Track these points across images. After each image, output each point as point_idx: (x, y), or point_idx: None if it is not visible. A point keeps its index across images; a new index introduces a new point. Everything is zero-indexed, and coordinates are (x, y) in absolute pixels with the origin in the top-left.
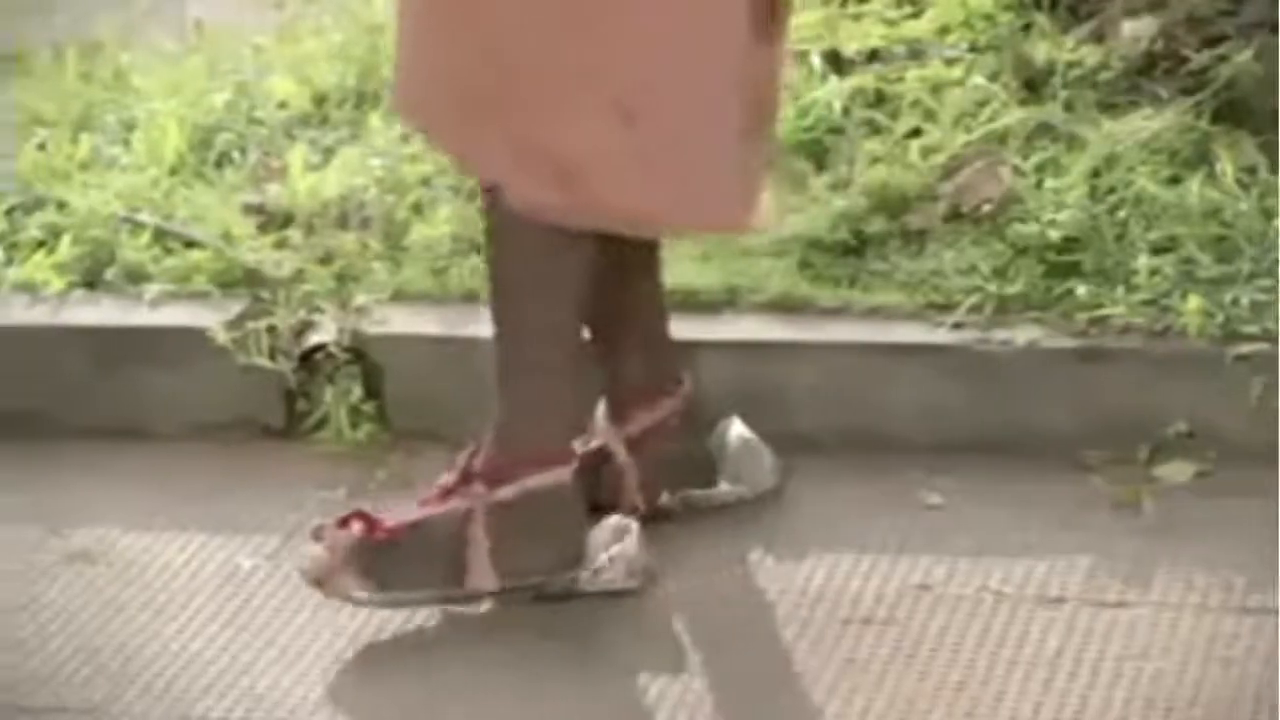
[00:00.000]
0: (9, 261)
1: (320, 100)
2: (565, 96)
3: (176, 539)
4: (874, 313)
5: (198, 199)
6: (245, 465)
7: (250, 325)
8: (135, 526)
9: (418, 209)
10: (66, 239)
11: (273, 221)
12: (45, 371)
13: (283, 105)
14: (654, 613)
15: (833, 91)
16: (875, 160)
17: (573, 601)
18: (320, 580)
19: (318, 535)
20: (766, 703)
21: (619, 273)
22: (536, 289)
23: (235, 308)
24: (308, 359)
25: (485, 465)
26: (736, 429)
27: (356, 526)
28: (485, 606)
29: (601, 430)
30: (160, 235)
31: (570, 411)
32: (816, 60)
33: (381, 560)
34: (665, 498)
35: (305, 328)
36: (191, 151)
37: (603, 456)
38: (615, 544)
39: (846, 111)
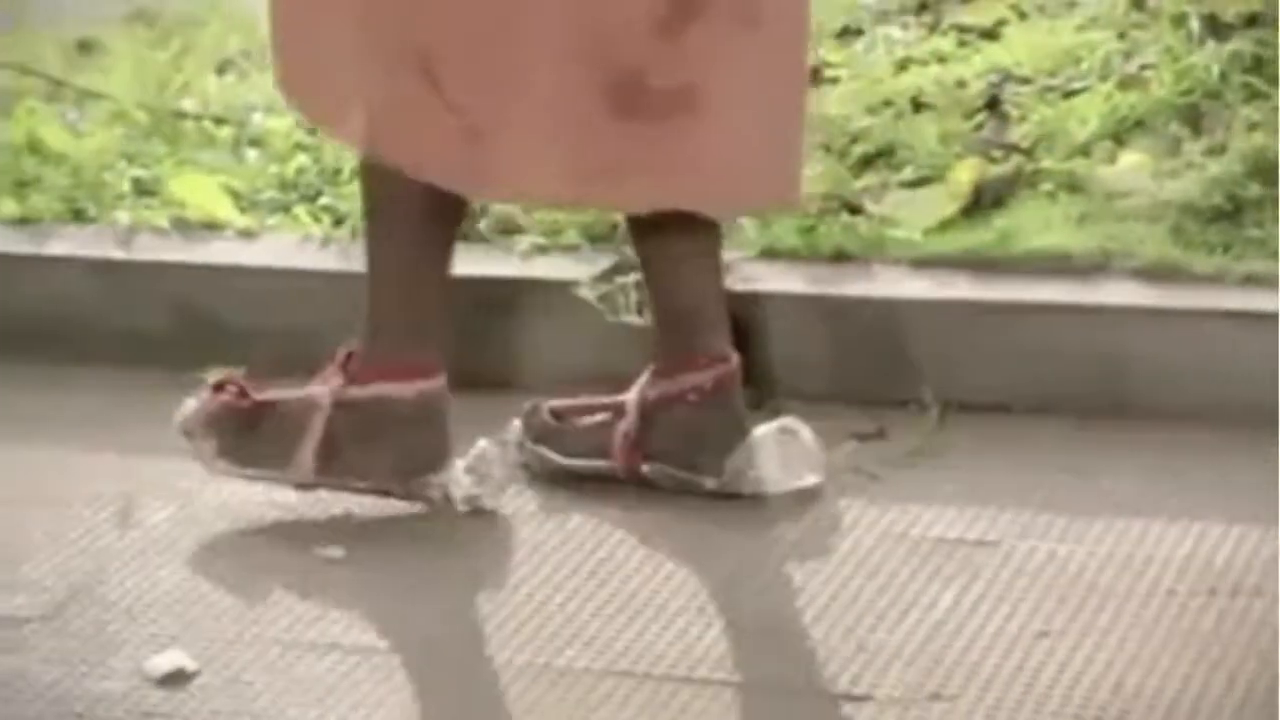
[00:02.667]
0: None
1: None
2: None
3: (541, 491)
4: (1248, 280)
5: None
6: None
7: (619, 280)
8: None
9: None
10: None
11: None
12: None
13: None
14: None
15: (1210, 55)
16: (1252, 126)
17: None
18: (187, 433)
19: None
20: None
21: (639, 246)
22: (381, 226)
23: (604, 262)
24: None
25: (352, 365)
26: (780, 425)
27: (228, 392)
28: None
29: (633, 388)
30: None
31: (428, 332)
32: (1195, 24)
33: (236, 430)
34: (645, 467)
35: None
36: None
37: (620, 412)
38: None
39: (1224, 76)
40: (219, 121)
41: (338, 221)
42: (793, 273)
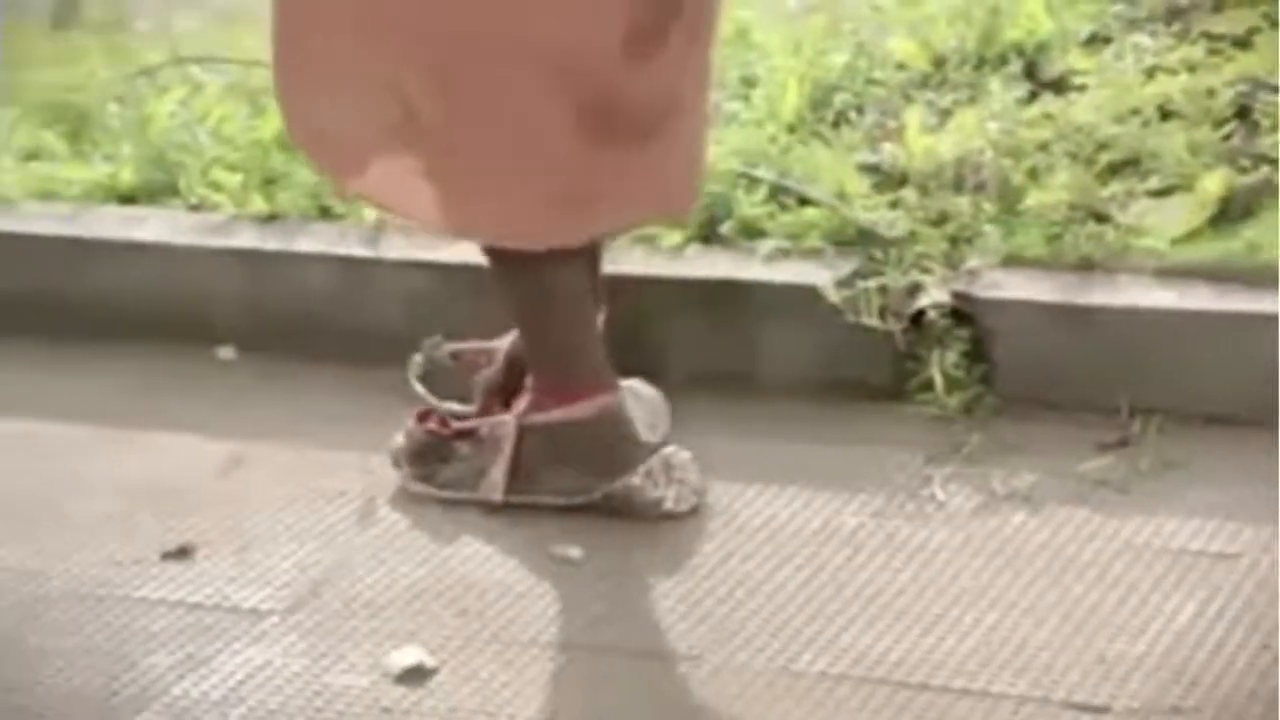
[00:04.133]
0: None
1: (939, 62)
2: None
3: (781, 492)
4: None
5: (814, 157)
6: (850, 423)
7: (861, 284)
8: (740, 478)
9: (1033, 174)
10: None
11: (888, 181)
12: (659, 322)
13: (901, 66)
14: None
15: None
16: None
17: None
18: (395, 464)
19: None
20: None
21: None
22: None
23: (847, 266)
24: (916, 320)
25: (534, 389)
26: (625, 384)
27: (430, 424)
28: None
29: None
30: (776, 191)
31: (593, 352)
32: None
33: (434, 456)
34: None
35: (915, 289)
36: (810, 109)
37: (484, 358)
38: (660, 466)
39: None
40: None
41: None
42: (1037, 281)
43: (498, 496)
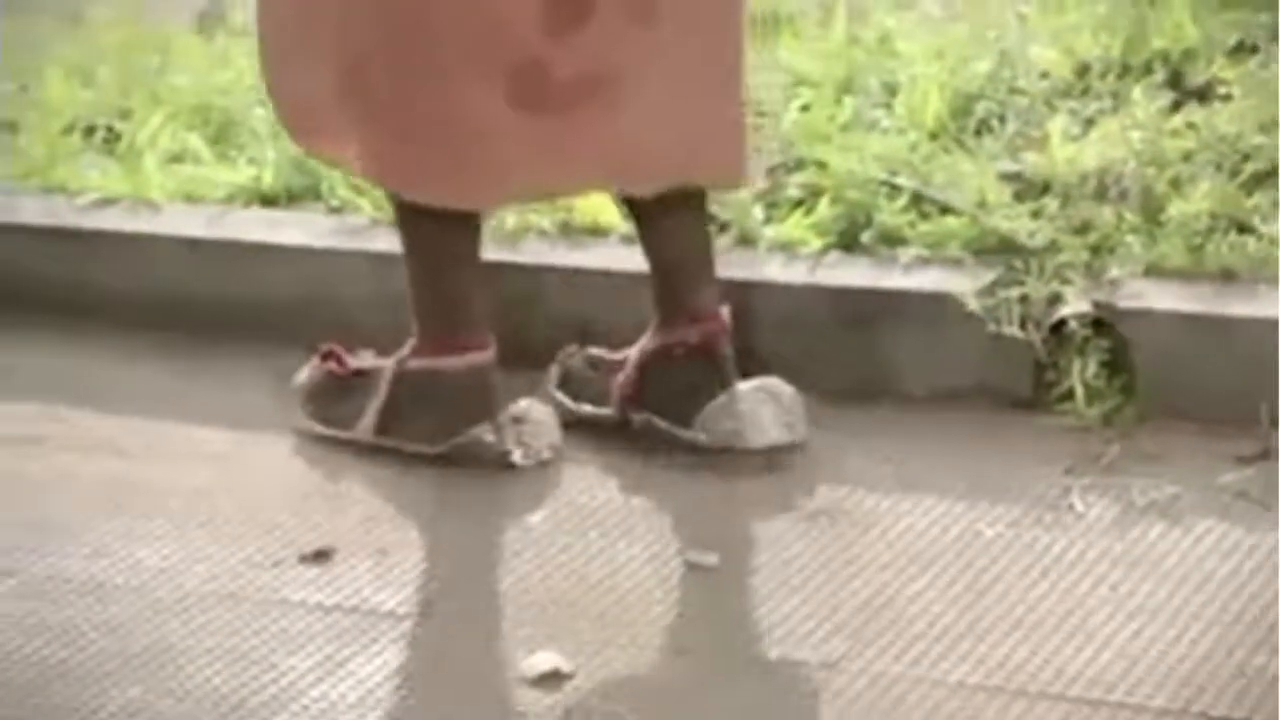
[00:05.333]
0: (768, 220)
1: (1082, 71)
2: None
3: (920, 501)
4: None
5: (955, 165)
6: (990, 432)
7: (1001, 293)
8: (879, 487)
9: (1176, 184)
10: (825, 200)
11: (1029, 190)
12: (798, 330)
13: (1044, 75)
14: None
15: None
16: None
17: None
18: (295, 394)
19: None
20: None
21: (627, 208)
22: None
23: (987, 275)
24: (1057, 330)
25: (417, 336)
26: (760, 382)
27: (330, 364)
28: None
29: (637, 343)
30: (917, 200)
31: (475, 309)
32: None
33: (331, 394)
34: (635, 417)
35: (1056, 298)
36: (952, 118)
37: (622, 365)
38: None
39: None
40: None
41: (722, 228)
42: (1178, 291)
43: (368, 437)
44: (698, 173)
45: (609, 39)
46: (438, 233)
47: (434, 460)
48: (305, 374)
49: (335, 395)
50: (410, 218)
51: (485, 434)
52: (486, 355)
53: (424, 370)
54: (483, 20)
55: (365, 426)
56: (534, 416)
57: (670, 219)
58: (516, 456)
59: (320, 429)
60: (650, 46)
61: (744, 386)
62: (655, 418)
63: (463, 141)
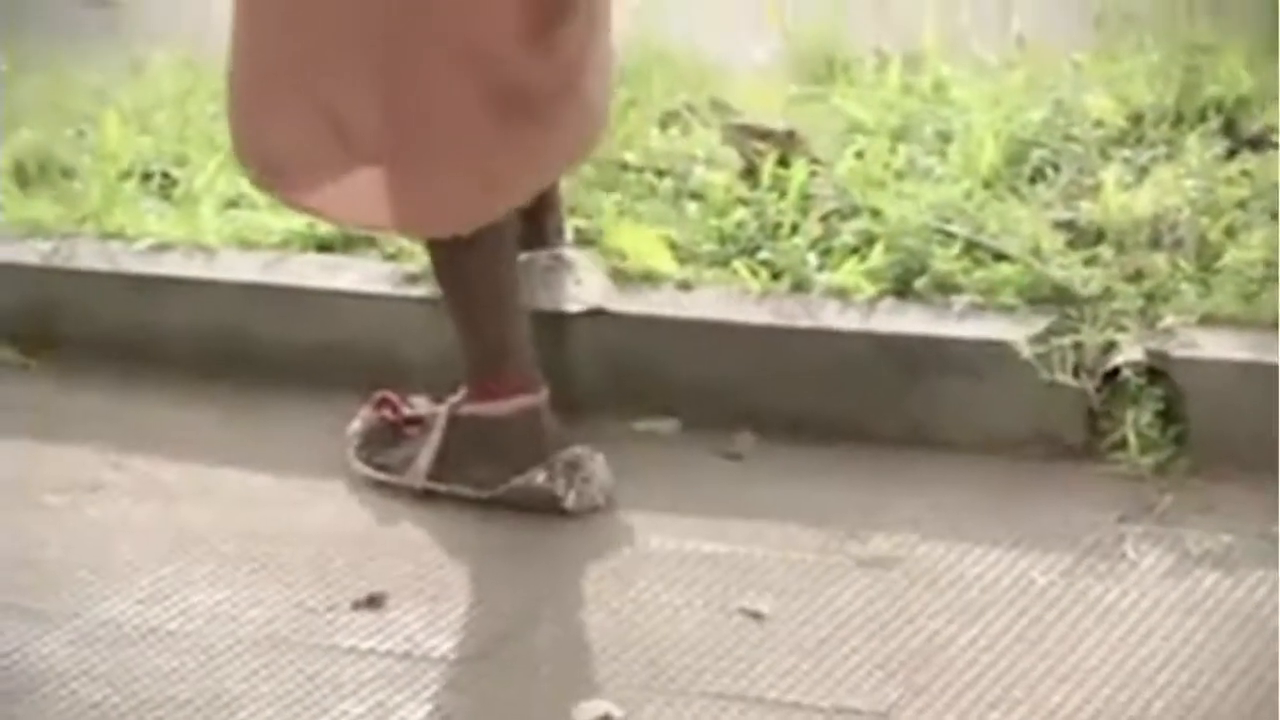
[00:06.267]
0: (821, 267)
1: (1136, 119)
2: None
3: (972, 550)
4: None
5: (1009, 213)
6: (1042, 480)
7: (1055, 341)
8: (931, 535)
9: (1230, 232)
10: (879, 247)
11: (1083, 238)
12: (851, 377)
13: (1099, 123)
14: None
15: None
16: None
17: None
18: (348, 443)
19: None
20: None
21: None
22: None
23: (1041, 323)
24: (1111, 378)
25: (468, 382)
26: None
27: (384, 410)
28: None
29: None
30: (971, 247)
31: (521, 349)
32: None
33: (384, 441)
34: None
35: (1110, 346)
36: (1006, 165)
37: None
38: (563, 466)
39: None
40: (660, 174)
41: (775, 275)
42: (1233, 339)
43: (420, 482)
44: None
45: (578, 51)
46: (471, 267)
47: (487, 506)
48: (359, 421)
49: (389, 441)
50: (443, 257)
51: (537, 478)
52: (535, 398)
53: (474, 415)
54: (465, 44)
55: (418, 471)
56: (587, 462)
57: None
58: (570, 501)
59: (373, 474)
60: (597, 52)
61: (548, 252)
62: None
63: (463, 165)
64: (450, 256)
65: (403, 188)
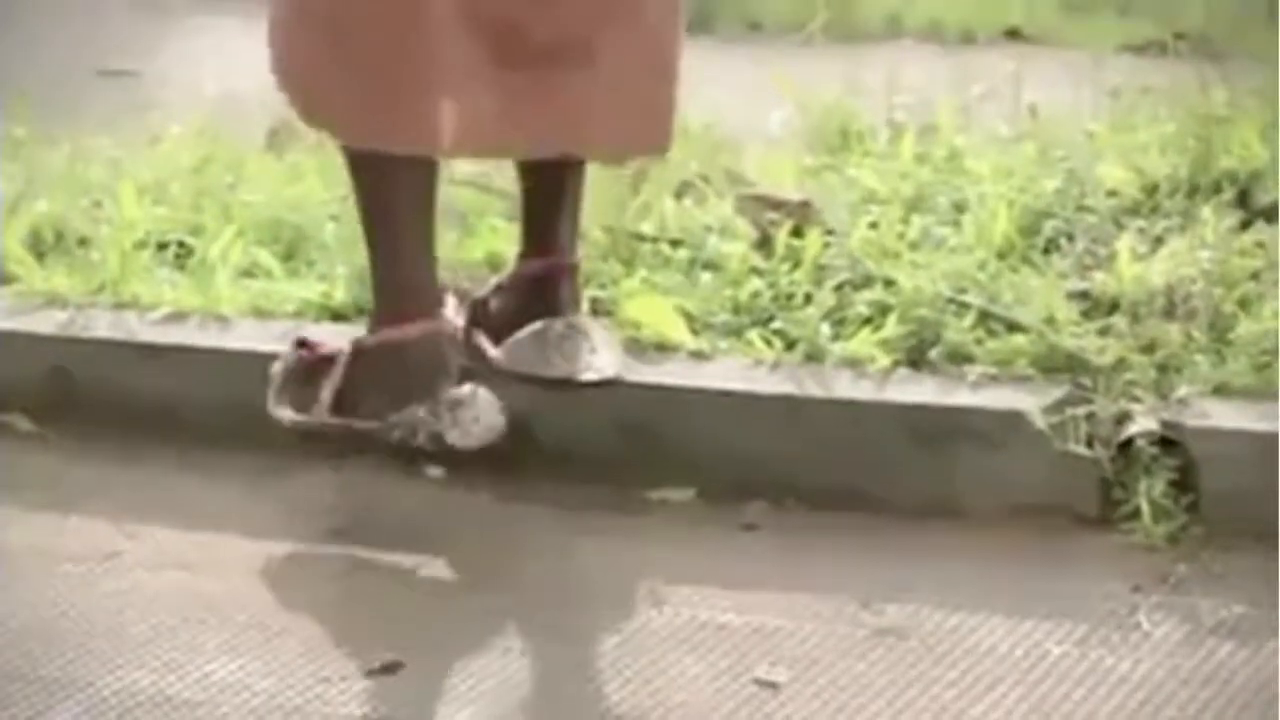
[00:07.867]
0: (835, 336)
1: (1151, 189)
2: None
3: (986, 620)
4: None
5: (1023, 283)
6: (1057, 550)
7: (1069, 411)
8: (946, 605)
9: (1244, 303)
10: (893, 317)
11: (1097, 308)
12: (865, 447)
13: (1112, 193)
14: None
15: None
16: None
17: None
18: (270, 381)
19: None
20: None
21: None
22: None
23: (1055, 393)
24: (1125, 448)
25: (372, 312)
26: (580, 319)
27: (301, 351)
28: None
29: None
30: (985, 317)
31: (425, 277)
32: None
33: (301, 380)
34: (474, 338)
35: (1124, 417)
36: (1020, 236)
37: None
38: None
39: None
40: (675, 244)
41: (790, 346)
42: (1247, 410)
43: (323, 417)
44: (634, 144)
45: (585, 13)
46: (393, 186)
47: (502, 578)
48: (279, 362)
49: (302, 379)
50: (363, 168)
51: (420, 412)
52: (436, 323)
53: (378, 343)
54: None
55: (321, 406)
56: (474, 400)
57: (559, 171)
58: (452, 437)
59: (288, 414)
60: (636, 14)
61: (564, 320)
62: (481, 336)
63: (439, 87)
64: (370, 167)
65: (383, 100)
